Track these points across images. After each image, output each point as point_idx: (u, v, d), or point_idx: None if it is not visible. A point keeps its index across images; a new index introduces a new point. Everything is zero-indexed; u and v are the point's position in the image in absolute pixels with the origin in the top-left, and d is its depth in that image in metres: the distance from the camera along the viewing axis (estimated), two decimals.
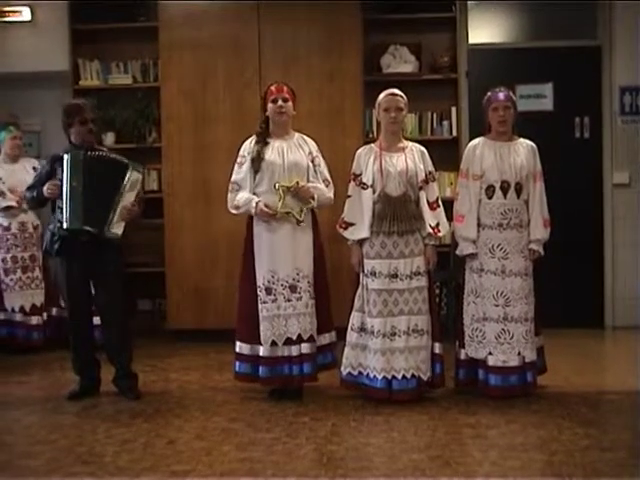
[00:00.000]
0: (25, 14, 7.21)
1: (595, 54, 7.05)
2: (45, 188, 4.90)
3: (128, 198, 4.93)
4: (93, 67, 7.16)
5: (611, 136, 7.03)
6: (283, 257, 4.87)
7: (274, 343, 4.87)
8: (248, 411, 4.73)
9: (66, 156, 4.84)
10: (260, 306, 4.89)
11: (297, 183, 4.85)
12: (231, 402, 4.93)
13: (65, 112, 5.07)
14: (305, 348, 4.86)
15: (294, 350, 4.86)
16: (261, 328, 4.88)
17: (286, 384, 4.93)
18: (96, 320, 5.20)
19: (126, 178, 4.92)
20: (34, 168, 6.58)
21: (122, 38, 7.15)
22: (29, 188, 5.10)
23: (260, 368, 4.89)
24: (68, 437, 4.30)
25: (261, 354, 4.88)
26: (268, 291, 4.89)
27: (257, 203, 4.83)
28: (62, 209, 4.83)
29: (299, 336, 4.86)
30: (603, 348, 6.66)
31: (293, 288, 4.87)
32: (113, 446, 4.14)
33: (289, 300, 4.87)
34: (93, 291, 5.10)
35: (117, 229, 4.89)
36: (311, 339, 4.88)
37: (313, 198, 4.88)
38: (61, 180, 4.84)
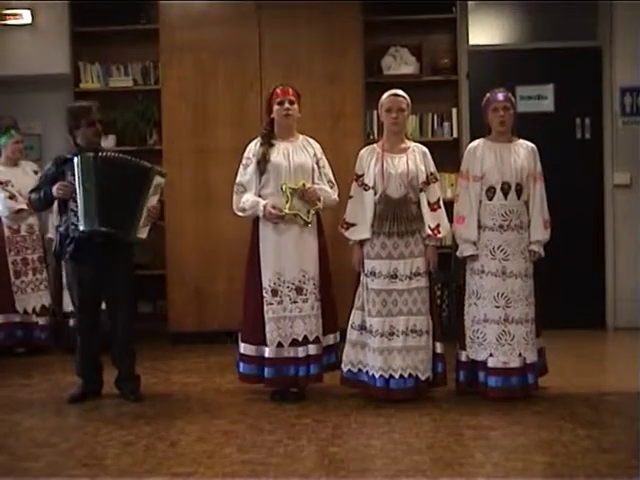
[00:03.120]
0: (25, 17, 7.21)
1: (596, 55, 7.05)
2: (55, 188, 4.87)
3: (152, 202, 4.96)
4: (94, 70, 7.15)
5: (612, 137, 7.02)
6: (289, 259, 4.88)
7: (280, 344, 4.88)
8: (250, 413, 4.73)
9: (76, 159, 4.82)
10: (266, 307, 4.90)
11: (303, 185, 4.86)
12: (233, 404, 4.93)
13: (71, 114, 5.06)
14: (312, 349, 4.88)
15: (300, 351, 4.87)
16: (267, 329, 4.89)
17: (291, 385, 4.94)
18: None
19: (150, 182, 4.93)
20: (35, 172, 6.58)
21: (123, 41, 7.14)
22: (33, 190, 5.09)
23: (265, 369, 4.90)
24: (69, 440, 4.30)
25: (267, 355, 4.89)
26: (274, 293, 4.89)
27: (265, 205, 4.84)
28: (75, 212, 4.83)
29: (305, 337, 4.87)
30: (604, 349, 6.66)
31: (299, 290, 4.88)
32: (114, 449, 4.15)
33: (295, 302, 4.88)
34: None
35: (143, 233, 4.94)
36: (317, 340, 4.90)
37: (319, 200, 4.90)
38: (72, 183, 4.83)
